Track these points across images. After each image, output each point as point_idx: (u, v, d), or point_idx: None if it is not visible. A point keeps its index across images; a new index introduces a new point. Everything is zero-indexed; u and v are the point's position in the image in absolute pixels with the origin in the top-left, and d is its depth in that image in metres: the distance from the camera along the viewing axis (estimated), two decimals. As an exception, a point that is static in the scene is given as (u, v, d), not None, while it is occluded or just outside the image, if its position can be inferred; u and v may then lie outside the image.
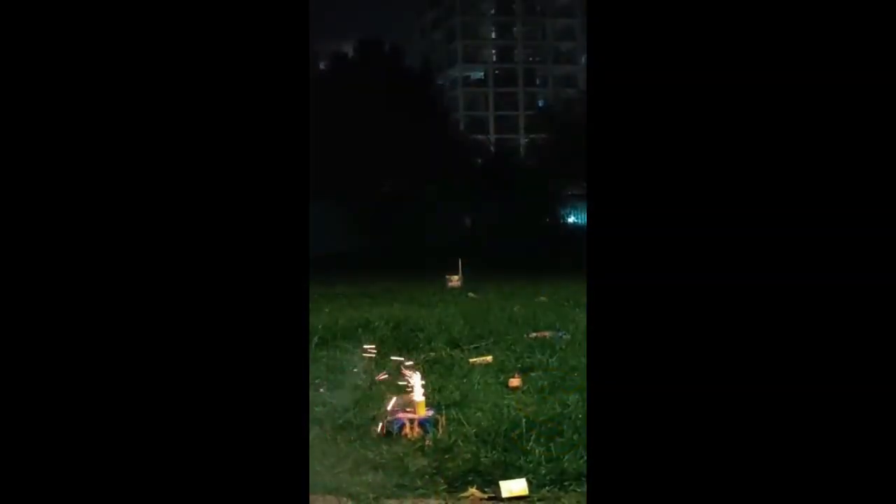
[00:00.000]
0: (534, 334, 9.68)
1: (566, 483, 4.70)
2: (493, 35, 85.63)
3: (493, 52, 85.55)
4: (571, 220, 36.16)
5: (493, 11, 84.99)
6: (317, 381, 7.35)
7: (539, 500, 4.59)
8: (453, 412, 6.22)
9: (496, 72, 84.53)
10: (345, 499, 4.70)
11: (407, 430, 5.74)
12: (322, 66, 34.67)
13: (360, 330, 10.17)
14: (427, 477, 4.97)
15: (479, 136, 58.43)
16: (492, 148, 50.07)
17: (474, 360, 8.32)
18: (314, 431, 5.68)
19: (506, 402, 6.54)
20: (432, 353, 8.72)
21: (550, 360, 8.04)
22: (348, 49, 36.26)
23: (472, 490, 4.78)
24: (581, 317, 10.08)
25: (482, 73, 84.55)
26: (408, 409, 6.00)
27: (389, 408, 6.06)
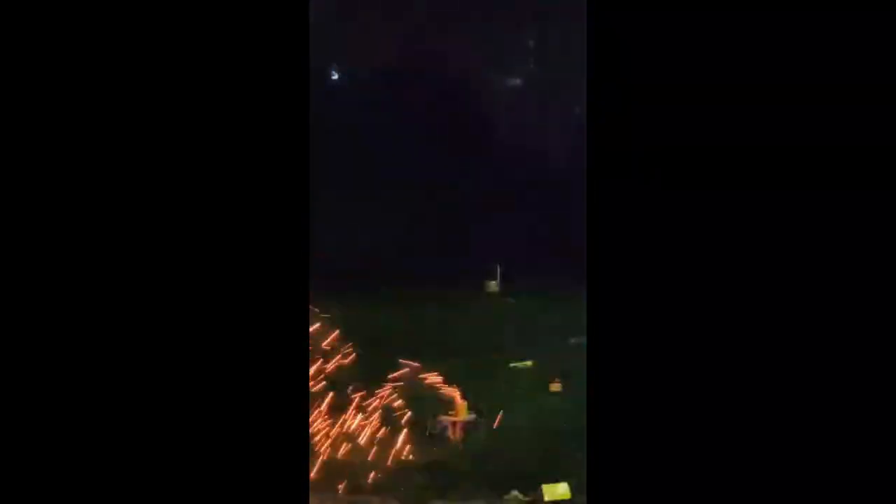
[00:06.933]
0: (574, 340, 9.64)
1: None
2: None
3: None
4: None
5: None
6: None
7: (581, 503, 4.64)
8: (495, 415, 6.29)
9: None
10: (389, 499, 4.83)
11: (450, 432, 5.85)
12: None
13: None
14: (470, 479, 5.06)
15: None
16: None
17: (515, 364, 8.35)
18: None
19: (547, 405, 6.58)
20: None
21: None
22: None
23: (515, 492, 4.87)
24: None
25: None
26: (451, 413, 6.12)
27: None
